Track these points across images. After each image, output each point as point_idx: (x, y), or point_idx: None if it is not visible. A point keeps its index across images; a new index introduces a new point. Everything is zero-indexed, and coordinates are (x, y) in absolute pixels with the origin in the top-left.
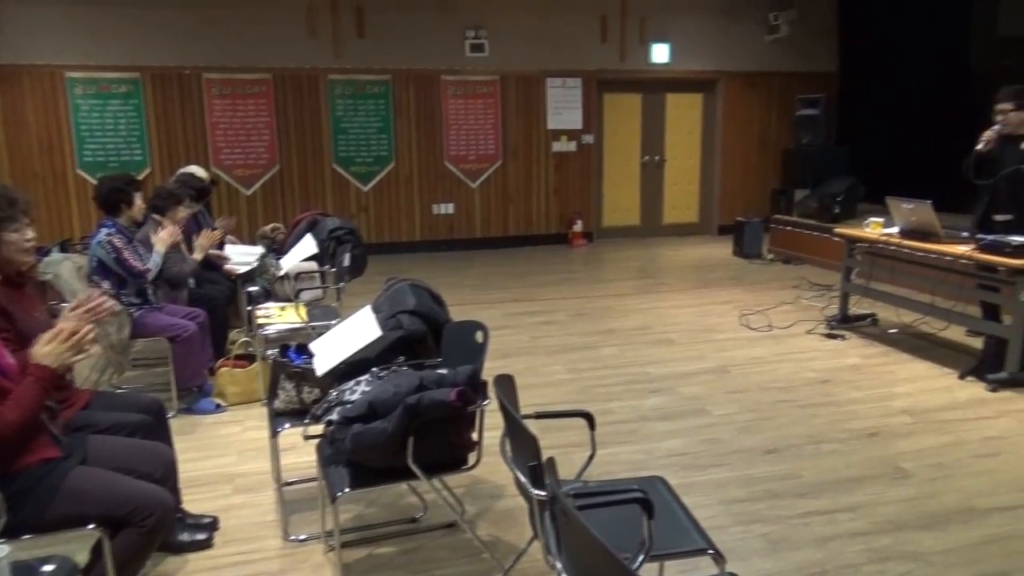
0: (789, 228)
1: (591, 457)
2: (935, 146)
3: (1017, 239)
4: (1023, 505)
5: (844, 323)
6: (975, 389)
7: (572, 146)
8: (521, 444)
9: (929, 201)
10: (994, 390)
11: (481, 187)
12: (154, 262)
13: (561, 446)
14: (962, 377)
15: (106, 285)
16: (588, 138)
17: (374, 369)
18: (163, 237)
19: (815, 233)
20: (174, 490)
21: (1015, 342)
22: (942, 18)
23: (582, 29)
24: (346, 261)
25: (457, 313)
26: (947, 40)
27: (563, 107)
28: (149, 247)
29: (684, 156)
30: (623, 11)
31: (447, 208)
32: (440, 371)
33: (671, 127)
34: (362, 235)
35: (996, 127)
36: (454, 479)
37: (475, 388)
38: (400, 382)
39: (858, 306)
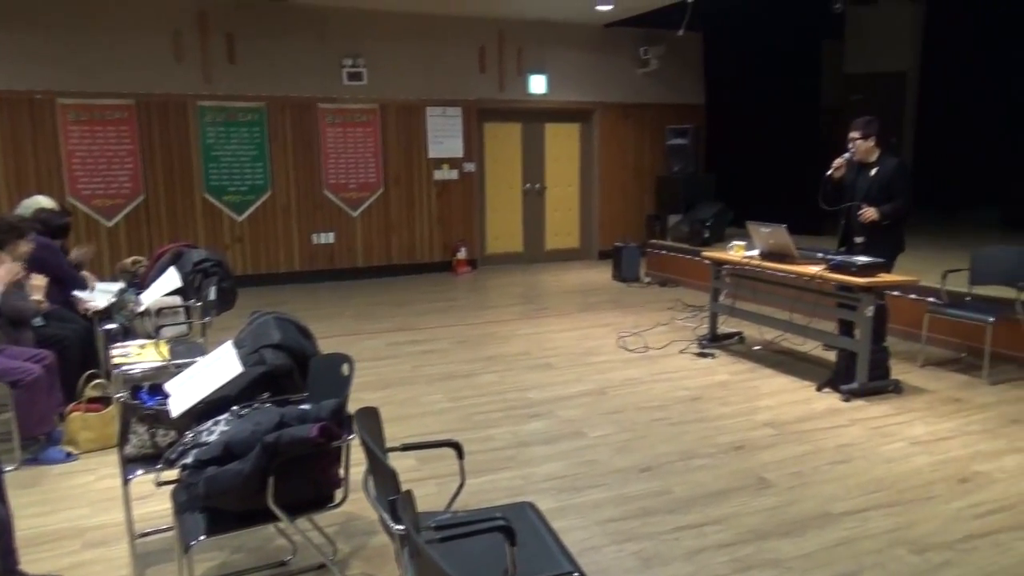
0: (664, 252)
1: (460, 486)
2: (791, 173)
3: (862, 259)
4: (871, 507)
5: (714, 342)
6: (831, 400)
7: (454, 174)
8: (382, 479)
9: (784, 225)
10: (847, 400)
11: (362, 216)
12: None
13: (441, 476)
14: (819, 389)
15: None
16: (470, 166)
17: (234, 408)
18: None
19: (688, 256)
20: (8, 552)
21: (863, 354)
22: (795, 56)
23: (461, 59)
24: (212, 295)
25: (337, 344)
26: (800, 76)
27: (444, 136)
28: None
29: (564, 184)
30: (500, 43)
31: (327, 237)
32: (303, 406)
33: (551, 156)
34: (232, 267)
35: (847, 154)
36: (327, 517)
37: (340, 422)
38: (260, 420)
39: (727, 325)
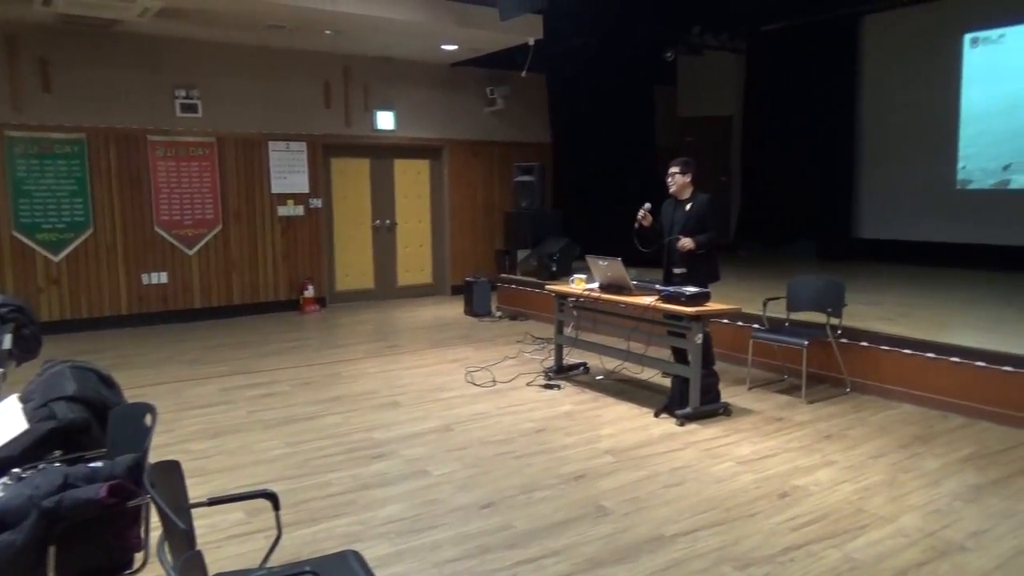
0: (514, 286)
1: (276, 540)
2: (630, 209)
3: (690, 289)
4: (700, 528)
5: (560, 373)
6: (667, 425)
7: (299, 210)
8: (176, 540)
9: (619, 258)
10: (682, 424)
11: (199, 254)
12: None
13: (271, 529)
14: (657, 415)
15: None
16: (316, 202)
17: (15, 470)
18: None
19: (536, 290)
20: None
21: (695, 380)
22: (631, 100)
23: (305, 94)
24: (6, 343)
25: (164, 392)
26: (636, 118)
27: (288, 171)
28: None
29: (415, 219)
30: (346, 78)
31: (159, 277)
32: (95, 464)
33: (400, 191)
34: (49, 311)
35: (647, 204)
36: None
37: (137, 480)
38: (40, 483)
39: (572, 356)
